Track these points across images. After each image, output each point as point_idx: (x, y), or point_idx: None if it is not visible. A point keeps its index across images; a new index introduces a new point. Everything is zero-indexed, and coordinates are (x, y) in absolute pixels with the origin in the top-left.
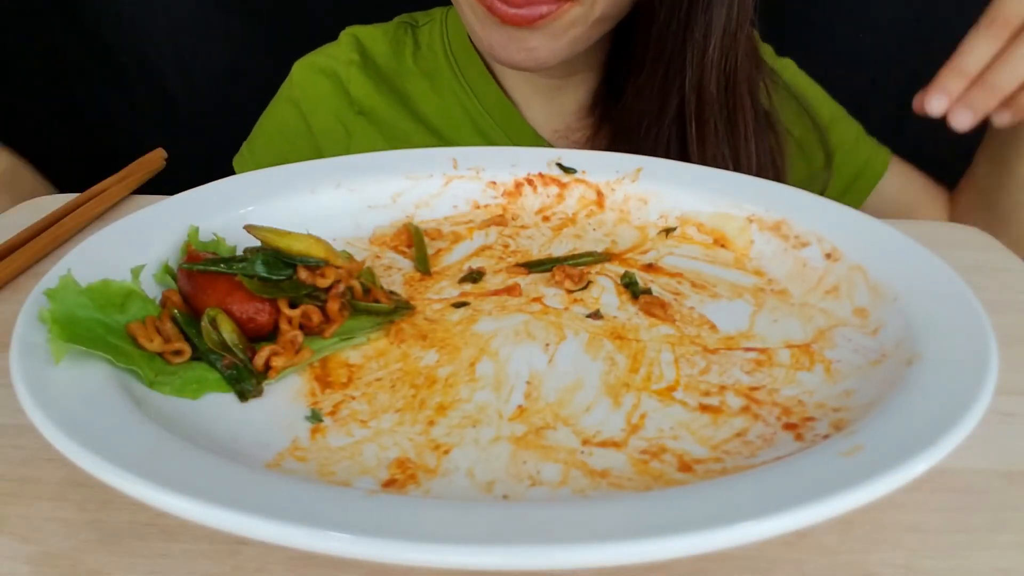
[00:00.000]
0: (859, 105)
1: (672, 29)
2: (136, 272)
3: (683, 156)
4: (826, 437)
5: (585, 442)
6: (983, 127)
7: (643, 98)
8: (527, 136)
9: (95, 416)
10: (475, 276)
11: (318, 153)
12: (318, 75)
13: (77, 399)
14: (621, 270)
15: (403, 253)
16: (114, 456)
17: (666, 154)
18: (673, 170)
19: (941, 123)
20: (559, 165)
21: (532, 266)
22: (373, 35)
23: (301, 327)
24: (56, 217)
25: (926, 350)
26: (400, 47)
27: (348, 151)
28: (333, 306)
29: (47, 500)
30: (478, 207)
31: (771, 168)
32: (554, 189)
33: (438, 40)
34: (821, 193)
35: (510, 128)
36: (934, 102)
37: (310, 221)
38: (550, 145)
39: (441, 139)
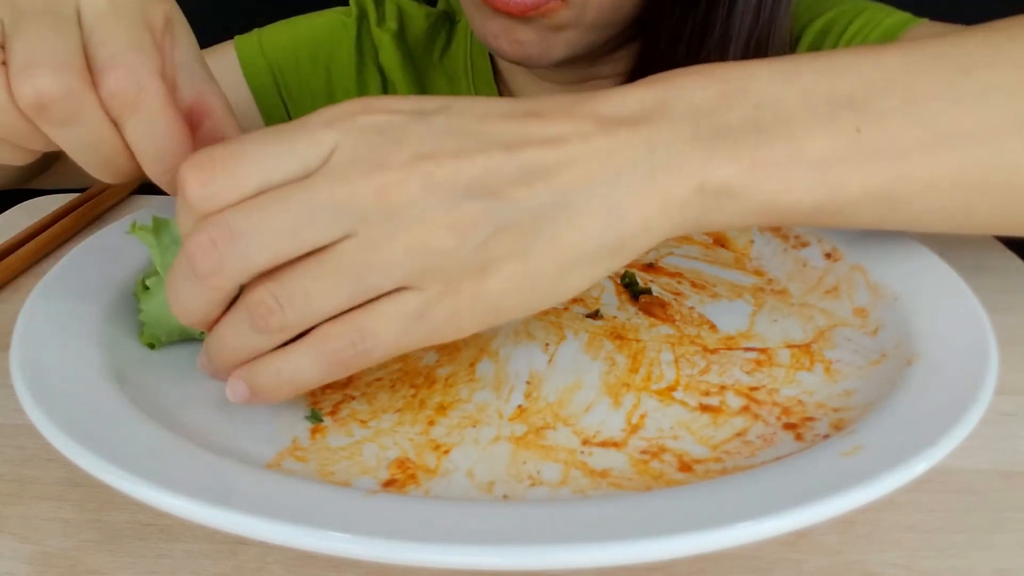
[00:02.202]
0: None
1: (686, 36)
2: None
3: None
4: (826, 437)
5: (585, 442)
6: None
7: None
8: None
9: (95, 416)
10: None
11: (328, 87)
12: (352, 21)
13: (77, 399)
14: (621, 270)
15: None
16: (114, 456)
17: None
18: None
19: None
20: None
21: None
22: (416, 15)
23: None
24: (56, 217)
25: (926, 350)
26: (435, 39)
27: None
28: None
29: (47, 500)
30: None
31: None
32: None
33: (464, 44)
34: None
35: None
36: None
37: None
38: None
39: None
